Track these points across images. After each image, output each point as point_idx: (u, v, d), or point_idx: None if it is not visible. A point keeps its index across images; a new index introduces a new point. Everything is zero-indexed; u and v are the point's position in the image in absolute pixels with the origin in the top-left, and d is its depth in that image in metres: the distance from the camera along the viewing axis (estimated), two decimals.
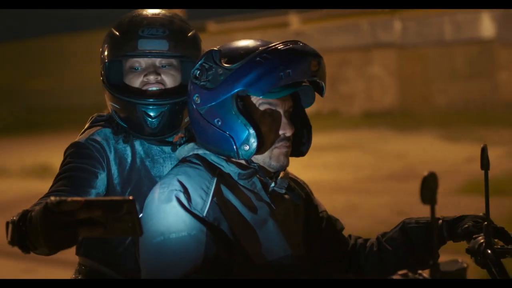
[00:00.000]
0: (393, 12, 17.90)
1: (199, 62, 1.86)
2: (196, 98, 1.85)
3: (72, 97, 24.50)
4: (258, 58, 1.77)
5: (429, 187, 1.32)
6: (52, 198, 1.41)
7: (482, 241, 1.76)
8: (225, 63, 1.81)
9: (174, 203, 1.76)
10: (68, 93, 25.22)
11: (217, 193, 1.80)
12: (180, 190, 1.78)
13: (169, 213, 1.74)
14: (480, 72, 17.19)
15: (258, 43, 1.85)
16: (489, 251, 1.73)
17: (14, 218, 1.57)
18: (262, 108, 1.84)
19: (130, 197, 1.40)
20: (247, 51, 1.81)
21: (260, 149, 1.83)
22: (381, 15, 18.21)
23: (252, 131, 1.79)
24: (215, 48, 1.86)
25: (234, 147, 1.81)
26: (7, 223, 1.57)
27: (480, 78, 17.18)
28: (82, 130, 2.08)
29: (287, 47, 1.80)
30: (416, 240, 1.94)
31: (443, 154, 11.60)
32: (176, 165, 1.91)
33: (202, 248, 1.71)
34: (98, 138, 2.02)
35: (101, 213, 1.39)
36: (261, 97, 1.81)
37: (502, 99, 16.44)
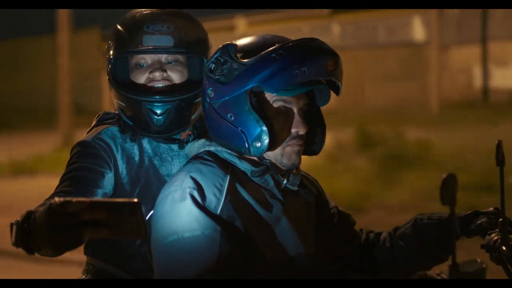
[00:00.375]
0: (332, 16, 18.28)
1: (215, 56, 1.83)
2: (210, 92, 1.83)
3: (24, 98, 24.21)
4: (273, 55, 1.75)
5: (448, 188, 1.34)
6: (57, 199, 1.39)
7: (496, 237, 1.75)
8: (241, 58, 1.78)
9: (188, 201, 1.74)
10: (20, 94, 24.89)
11: (231, 190, 1.79)
12: (194, 188, 1.76)
13: (183, 211, 1.72)
14: (412, 74, 17.63)
15: (275, 38, 1.83)
16: (504, 248, 1.72)
17: (18, 219, 1.55)
18: (276, 105, 1.82)
19: (136, 199, 1.39)
20: (263, 46, 1.79)
21: (272, 147, 1.80)
22: (321, 19, 18.60)
23: (264, 128, 1.77)
24: (231, 42, 1.84)
25: (246, 143, 1.79)
26: (11, 224, 1.56)
27: (412, 80, 17.62)
28: (89, 129, 2.05)
29: (304, 44, 1.78)
30: (429, 237, 1.93)
31: None
32: (187, 162, 1.88)
33: (216, 247, 1.70)
34: (105, 137, 1.98)
35: (106, 215, 1.37)
36: (275, 94, 1.79)
37: (432, 100, 16.89)
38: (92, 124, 2.06)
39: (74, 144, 2.01)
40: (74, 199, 1.38)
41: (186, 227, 1.70)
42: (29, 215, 1.52)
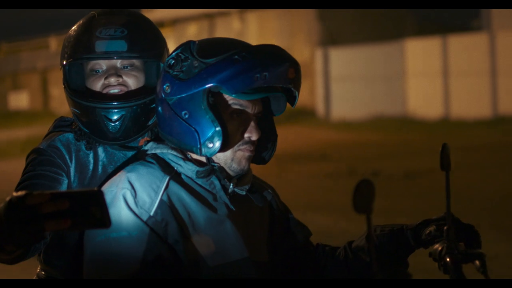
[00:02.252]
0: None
1: (175, 52, 1.82)
2: (167, 87, 1.80)
3: None
4: (236, 56, 1.74)
5: (364, 195, 1.23)
6: (16, 193, 1.37)
7: (442, 246, 1.70)
8: (202, 57, 1.77)
9: (120, 202, 1.73)
10: None
11: (169, 192, 1.77)
12: (127, 189, 1.75)
13: (113, 212, 1.70)
14: None
15: (238, 42, 1.83)
16: (448, 259, 1.67)
17: None
18: (232, 108, 1.80)
19: (97, 188, 1.37)
20: (226, 47, 1.78)
21: (223, 149, 1.79)
22: None
23: (218, 128, 1.75)
24: (193, 40, 1.83)
25: (198, 142, 1.77)
26: None
27: None
28: (45, 134, 2.03)
29: (267, 50, 1.78)
30: (382, 248, 1.87)
31: None
32: (128, 163, 1.88)
33: (142, 249, 1.69)
34: (59, 144, 1.96)
35: (68, 206, 1.35)
36: (233, 96, 1.77)
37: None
38: (49, 130, 2.04)
39: (29, 151, 1.99)
40: (35, 192, 1.36)
41: (113, 227, 1.66)
42: None
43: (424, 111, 18.19)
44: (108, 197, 1.71)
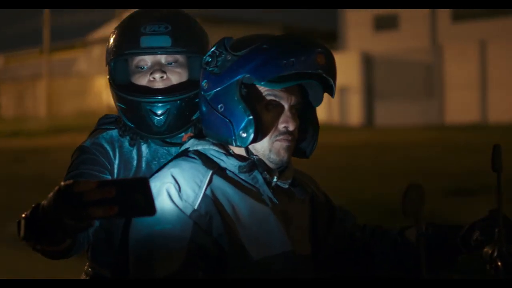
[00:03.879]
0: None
1: (212, 49, 1.85)
2: (205, 84, 1.84)
3: None
4: (264, 46, 1.75)
5: (412, 199, 1.23)
6: (63, 183, 1.40)
7: (492, 249, 1.64)
8: (234, 50, 1.80)
9: (164, 196, 1.74)
10: None
11: (212, 186, 1.77)
12: (171, 183, 1.76)
13: (157, 206, 1.66)
14: None
15: (272, 35, 1.83)
16: (499, 262, 1.62)
17: (26, 213, 1.54)
18: (266, 99, 1.80)
19: (144, 176, 1.37)
20: (256, 39, 1.79)
21: (259, 139, 1.79)
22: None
23: (250, 117, 1.75)
24: (229, 36, 1.86)
25: (232, 133, 1.78)
26: (19, 221, 1.55)
27: None
28: (90, 132, 2.05)
29: (296, 37, 1.78)
30: (430, 249, 1.82)
31: None
32: (171, 159, 1.89)
33: (186, 241, 1.69)
34: (103, 142, 1.97)
35: (114, 193, 1.37)
36: (263, 85, 1.77)
37: None
38: (94, 128, 2.06)
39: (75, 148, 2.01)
40: (82, 180, 1.39)
41: (157, 220, 1.69)
42: (36, 206, 1.52)
43: None
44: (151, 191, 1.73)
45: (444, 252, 1.84)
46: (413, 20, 29.86)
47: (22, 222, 1.54)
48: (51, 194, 1.44)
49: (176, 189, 1.74)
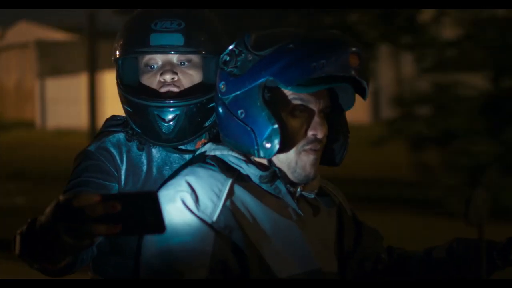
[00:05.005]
0: None
1: (230, 47, 1.66)
2: (222, 86, 1.65)
3: None
4: (290, 45, 1.56)
5: (477, 205, 1.18)
6: (62, 196, 1.25)
7: None
8: (256, 49, 1.60)
9: (178, 204, 1.56)
10: None
11: (231, 196, 1.60)
12: (187, 192, 1.58)
13: (173, 216, 1.54)
14: None
15: (296, 31, 1.64)
16: None
17: (22, 229, 1.41)
18: (292, 103, 1.61)
19: (152, 191, 1.24)
20: (281, 37, 1.60)
21: (284, 149, 1.60)
22: None
23: (276, 126, 1.57)
24: (249, 33, 1.66)
25: (255, 143, 1.59)
26: (14, 237, 1.42)
27: None
28: (96, 134, 1.89)
29: (325, 35, 1.59)
30: (464, 264, 1.70)
31: None
32: (184, 165, 1.72)
33: (209, 254, 1.53)
34: (109, 146, 1.80)
35: (120, 209, 1.23)
36: (289, 89, 1.58)
37: None
38: (100, 129, 1.90)
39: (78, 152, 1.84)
40: (84, 193, 1.25)
41: (175, 232, 1.52)
42: (33, 221, 1.38)
43: None
44: (164, 201, 1.54)
45: (477, 267, 1.66)
46: None
47: (17, 238, 1.41)
48: (49, 208, 1.29)
49: (193, 199, 1.57)
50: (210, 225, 1.55)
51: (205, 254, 1.52)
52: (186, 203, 1.56)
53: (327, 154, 1.70)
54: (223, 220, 1.56)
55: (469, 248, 1.70)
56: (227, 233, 1.56)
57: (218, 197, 1.59)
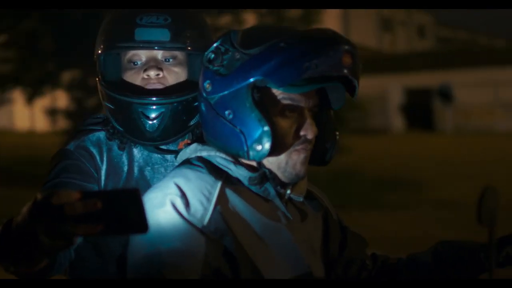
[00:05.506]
0: None
1: (215, 44, 1.59)
2: (207, 85, 1.58)
3: None
4: (281, 44, 1.50)
5: (488, 205, 1.13)
6: (39, 193, 1.18)
7: None
8: (244, 47, 1.54)
9: (168, 208, 1.49)
10: None
11: (222, 199, 1.54)
12: (177, 195, 1.51)
13: (162, 219, 1.47)
14: None
15: (285, 28, 1.58)
16: None
17: None
18: (282, 103, 1.57)
19: (135, 187, 1.18)
20: (271, 35, 1.53)
21: (274, 151, 1.55)
22: None
23: (266, 128, 1.51)
24: (234, 30, 1.60)
25: (245, 145, 1.53)
26: None
27: None
28: (74, 132, 1.80)
29: (316, 34, 1.53)
30: (451, 266, 1.68)
31: None
32: (174, 168, 1.64)
33: (200, 262, 1.46)
34: (89, 145, 1.74)
35: (101, 207, 1.16)
36: (281, 90, 1.54)
37: None
38: (77, 127, 1.82)
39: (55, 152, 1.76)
40: (63, 191, 1.17)
41: (164, 237, 1.45)
42: (8, 222, 1.31)
43: None
44: (152, 204, 1.49)
45: (464, 269, 1.66)
46: None
47: None
48: (25, 207, 1.22)
49: (183, 202, 1.50)
50: (201, 230, 1.48)
51: (196, 260, 1.45)
52: (176, 207, 1.50)
53: (315, 153, 1.65)
54: (214, 224, 1.50)
55: (455, 250, 1.68)
56: (218, 237, 1.50)
57: (208, 200, 1.53)
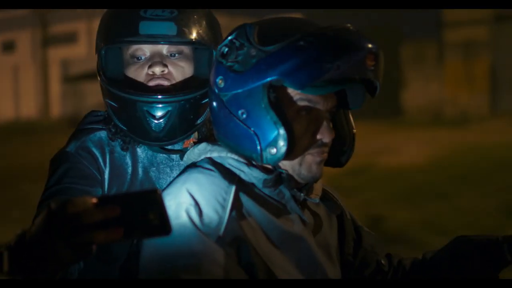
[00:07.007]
0: None
1: (229, 38, 1.50)
2: (220, 81, 1.49)
3: None
4: (301, 42, 1.41)
5: None
6: (53, 202, 1.11)
7: None
8: (261, 43, 1.45)
9: (184, 220, 1.41)
10: None
11: (237, 205, 1.46)
12: (191, 204, 1.43)
13: (178, 234, 1.39)
14: None
15: (305, 23, 1.48)
16: None
17: (9, 243, 1.25)
18: (299, 105, 1.48)
19: (154, 188, 1.11)
20: (290, 31, 1.44)
21: (289, 154, 1.47)
22: None
23: (282, 131, 1.43)
24: (250, 23, 1.50)
25: (258, 148, 1.45)
26: (1, 253, 1.25)
27: None
28: (74, 131, 1.70)
29: (339, 33, 1.43)
30: (471, 261, 1.62)
31: None
32: (183, 171, 1.56)
33: (218, 277, 1.38)
34: (90, 146, 1.65)
35: (119, 212, 1.10)
36: (299, 91, 1.45)
37: None
38: (78, 126, 1.71)
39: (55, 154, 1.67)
40: (78, 198, 1.11)
41: (179, 253, 1.37)
42: (22, 234, 1.23)
43: None
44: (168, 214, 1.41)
45: (486, 262, 1.61)
46: None
47: (5, 254, 1.23)
48: (39, 217, 1.15)
49: (197, 212, 1.42)
50: (218, 243, 1.41)
51: (214, 277, 1.37)
52: (192, 218, 1.42)
53: (331, 155, 1.58)
54: (231, 233, 1.43)
55: (474, 245, 1.62)
56: (235, 248, 1.43)
57: (223, 207, 1.45)
